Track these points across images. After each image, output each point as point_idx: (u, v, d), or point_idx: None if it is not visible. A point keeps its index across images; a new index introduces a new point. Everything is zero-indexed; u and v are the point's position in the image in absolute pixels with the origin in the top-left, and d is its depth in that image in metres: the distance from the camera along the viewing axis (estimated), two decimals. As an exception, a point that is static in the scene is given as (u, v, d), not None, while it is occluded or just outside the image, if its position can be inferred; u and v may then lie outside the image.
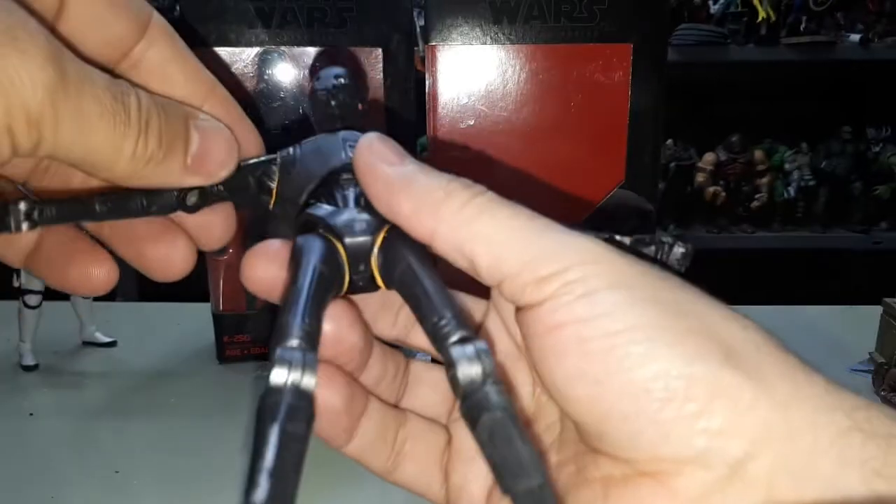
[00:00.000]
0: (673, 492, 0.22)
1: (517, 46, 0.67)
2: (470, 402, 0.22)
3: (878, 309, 0.70)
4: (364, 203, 0.26)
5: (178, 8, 0.69)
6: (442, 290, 0.24)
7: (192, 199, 0.27)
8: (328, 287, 0.25)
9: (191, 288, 0.85)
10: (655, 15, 0.67)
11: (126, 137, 0.23)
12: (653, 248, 0.27)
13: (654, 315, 0.22)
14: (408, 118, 0.70)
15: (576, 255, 0.23)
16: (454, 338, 0.23)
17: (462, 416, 0.22)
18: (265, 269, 0.26)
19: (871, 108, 2.17)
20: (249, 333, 0.77)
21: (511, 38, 0.67)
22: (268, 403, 0.21)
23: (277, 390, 0.21)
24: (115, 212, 0.26)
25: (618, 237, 0.27)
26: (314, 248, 0.25)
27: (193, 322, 0.85)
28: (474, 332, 0.23)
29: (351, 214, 0.26)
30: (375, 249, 0.26)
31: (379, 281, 0.26)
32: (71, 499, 0.56)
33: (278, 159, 0.28)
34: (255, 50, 0.69)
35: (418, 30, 0.78)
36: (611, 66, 0.67)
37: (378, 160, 0.25)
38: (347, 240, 0.25)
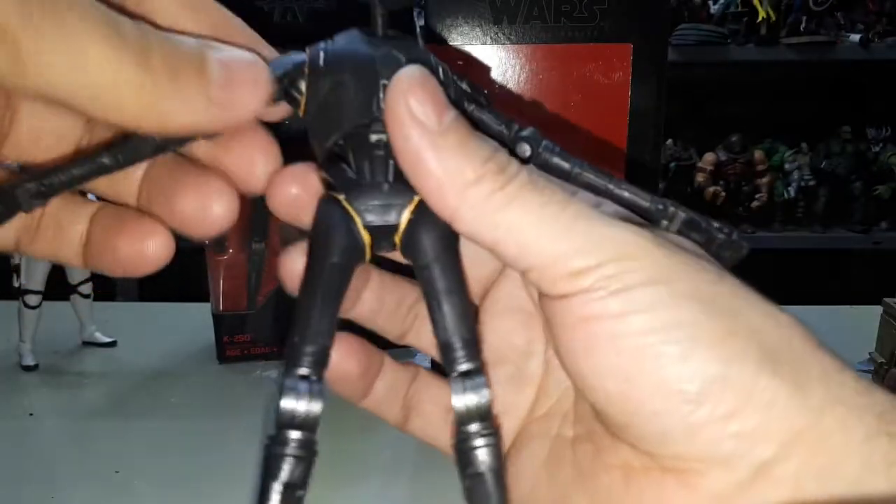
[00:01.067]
0: (696, 490, 0.22)
1: (517, 46, 0.67)
2: (462, 446, 0.24)
3: (878, 309, 0.70)
4: (393, 174, 0.24)
5: None
6: (460, 302, 0.24)
7: None
8: (344, 279, 0.24)
9: (191, 288, 0.85)
10: (655, 15, 0.67)
11: (124, 60, 0.20)
12: (704, 235, 0.26)
13: (692, 314, 0.21)
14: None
15: (612, 248, 0.22)
16: (461, 368, 0.24)
17: (452, 447, 0.24)
18: (289, 191, 0.26)
19: (871, 108, 2.17)
20: (249, 333, 0.77)
21: (511, 39, 0.67)
22: (273, 454, 0.23)
23: (283, 438, 0.23)
24: (128, 156, 0.23)
25: (679, 210, 0.26)
26: (332, 232, 0.24)
27: (193, 322, 0.84)
28: (480, 362, 0.24)
29: (376, 193, 0.24)
30: (400, 229, 0.25)
31: (398, 249, 0.26)
32: (71, 499, 0.56)
33: (306, 66, 0.24)
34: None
35: (418, 30, 0.78)
36: (611, 66, 0.67)
37: (412, 115, 0.22)
38: (369, 220, 0.24)
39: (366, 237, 0.24)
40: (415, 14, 0.78)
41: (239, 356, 0.78)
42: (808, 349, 0.22)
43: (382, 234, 0.25)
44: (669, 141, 2.09)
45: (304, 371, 0.23)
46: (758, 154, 2.11)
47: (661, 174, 2.05)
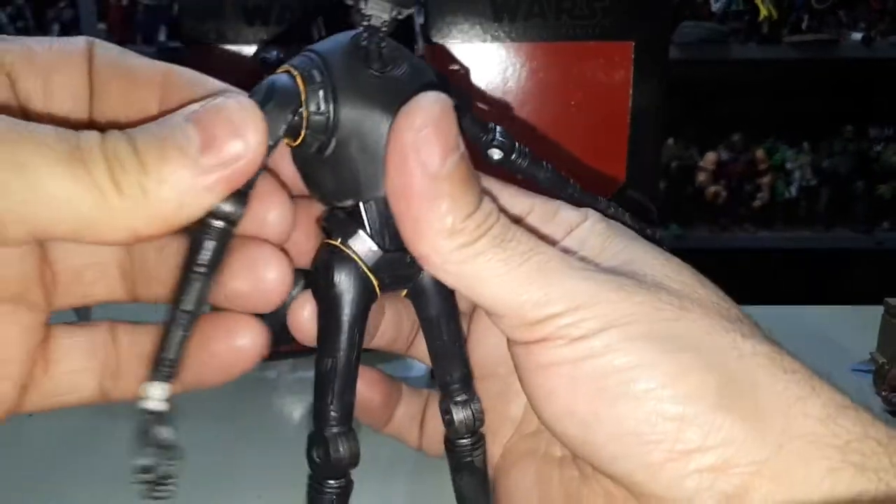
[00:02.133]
0: None
1: (518, 44, 0.66)
2: (460, 453, 0.29)
3: (880, 309, 0.69)
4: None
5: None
6: (459, 350, 0.28)
7: (224, 208, 0.22)
8: (362, 331, 0.26)
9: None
10: (657, 13, 0.67)
11: (92, 185, 0.19)
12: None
13: (647, 354, 0.22)
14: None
15: (568, 299, 0.22)
16: (458, 398, 0.28)
17: (450, 451, 0.29)
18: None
19: (873, 107, 2.16)
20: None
21: (512, 36, 0.66)
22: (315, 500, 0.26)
23: (323, 486, 0.26)
24: (213, 264, 0.22)
25: (623, 216, 0.28)
26: (349, 299, 0.25)
27: (192, 321, 0.84)
28: (474, 395, 0.29)
29: (392, 262, 0.25)
30: (405, 291, 0.28)
31: (404, 296, 0.28)
32: (70, 499, 0.56)
33: (301, 94, 0.23)
34: (253, 48, 0.68)
35: (418, 28, 0.77)
36: (612, 64, 0.67)
37: (416, 155, 0.21)
38: (384, 282, 0.26)
39: (376, 282, 0.26)
40: (415, 12, 0.77)
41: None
42: (771, 379, 0.22)
43: (392, 290, 0.27)
44: (671, 140, 2.09)
45: (336, 430, 0.25)
46: (759, 153, 2.11)
47: (663, 173, 2.05)
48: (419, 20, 0.73)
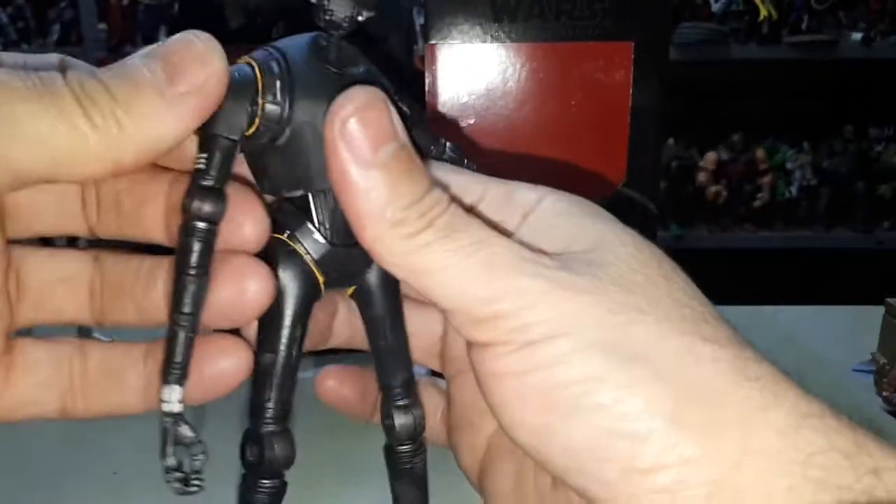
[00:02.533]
0: None
1: (517, 45, 0.66)
2: (400, 459, 0.29)
3: (881, 309, 0.69)
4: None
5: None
6: (401, 350, 0.28)
7: (205, 208, 0.23)
8: (305, 331, 0.26)
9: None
10: (657, 13, 0.67)
11: (67, 109, 0.20)
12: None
13: (598, 365, 0.21)
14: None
15: (514, 297, 0.21)
16: (399, 403, 0.28)
17: (389, 457, 0.29)
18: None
19: (873, 107, 2.16)
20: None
21: (511, 37, 0.66)
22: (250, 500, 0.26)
23: (255, 485, 0.26)
24: (197, 314, 0.23)
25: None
26: (292, 294, 0.25)
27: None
28: (416, 400, 0.29)
29: (338, 255, 0.25)
30: (352, 289, 0.27)
31: (349, 295, 0.28)
32: (69, 500, 0.56)
33: (259, 83, 0.23)
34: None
35: (418, 28, 0.77)
36: (612, 65, 0.67)
37: (346, 143, 0.21)
38: (329, 277, 0.26)
39: (320, 278, 0.25)
40: (414, 12, 0.77)
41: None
42: (731, 387, 0.21)
43: (338, 286, 0.27)
44: (671, 140, 2.09)
45: (271, 428, 0.25)
46: (759, 153, 2.11)
47: (663, 173, 2.04)
48: (419, 20, 0.73)
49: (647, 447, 0.20)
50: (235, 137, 0.23)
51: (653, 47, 0.66)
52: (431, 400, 0.32)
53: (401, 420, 0.28)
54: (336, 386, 0.31)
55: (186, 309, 0.22)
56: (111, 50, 1.95)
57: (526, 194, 0.25)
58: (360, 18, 0.23)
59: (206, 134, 0.23)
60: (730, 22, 2.02)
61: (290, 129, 0.24)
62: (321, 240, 0.25)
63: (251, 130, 0.24)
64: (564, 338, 0.21)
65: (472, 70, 0.66)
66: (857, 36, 2.00)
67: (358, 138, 0.21)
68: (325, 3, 0.23)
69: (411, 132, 0.24)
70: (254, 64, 0.23)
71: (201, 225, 0.22)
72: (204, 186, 0.22)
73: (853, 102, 2.18)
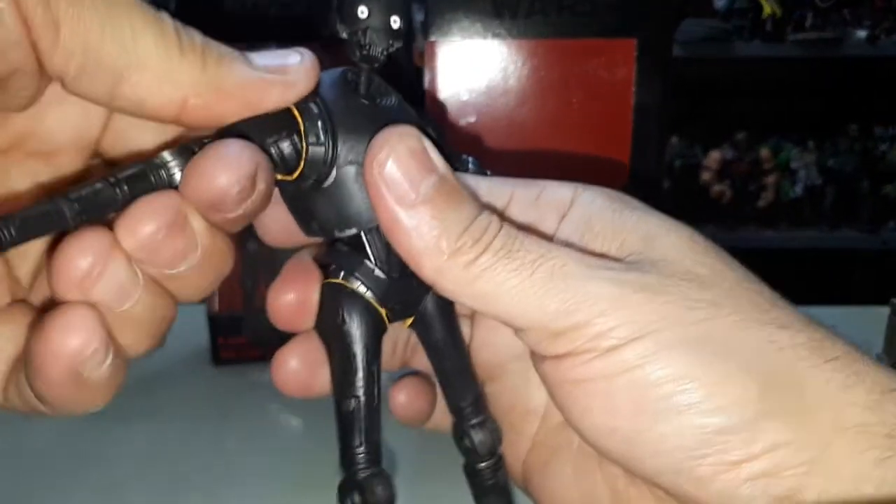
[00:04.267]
0: None
1: (518, 42, 0.66)
2: (484, 476, 0.28)
3: (886, 309, 0.68)
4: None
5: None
6: (467, 371, 0.28)
7: (167, 157, 0.22)
8: (378, 367, 0.26)
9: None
10: (660, 10, 0.66)
11: (171, 45, 0.21)
12: None
13: (684, 364, 0.21)
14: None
15: (590, 306, 0.22)
16: (473, 421, 0.28)
17: (472, 475, 0.29)
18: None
19: (878, 106, 2.16)
20: (245, 335, 0.76)
21: (513, 33, 0.65)
22: None
23: None
24: (90, 208, 0.21)
25: None
26: (362, 336, 0.25)
27: (187, 323, 0.83)
28: (488, 415, 0.28)
29: (398, 289, 0.25)
30: (411, 319, 0.27)
31: (408, 326, 0.28)
32: (65, 502, 0.55)
33: (301, 128, 0.23)
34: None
35: (417, 25, 0.77)
36: (614, 62, 0.66)
37: (387, 190, 0.22)
38: (393, 312, 0.26)
39: (384, 312, 0.26)
40: (414, 9, 0.76)
41: (234, 358, 0.76)
42: (813, 371, 0.21)
43: (401, 318, 0.27)
44: (674, 139, 2.08)
45: (368, 472, 0.25)
46: (764, 152, 2.10)
47: (666, 173, 2.04)
48: (419, 17, 0.72)
49: (738, 440, 0.21)
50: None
51: (656, 44, 0.65)
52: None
53: (479, 437, 0.28)
54: (410, 400, 0.30)
55: (74, 202, 0.20)
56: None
57: (557, 192, 0.25)
58: (391, 50, 0.23)
59: (235, 132, 0.23)
60: (734, 19, 2.01)
61: (336, 170, 0.24)
62: (381, 275, 0.25)
63: (295, 174, 0.24)
64: (648, 338, 0.21)
65: (473, 67, 0.65)
66: (862, 34, 1.99)
67: (397, 179, 0.22)
68: (362, 38, 0.23)
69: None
70: (290, 107, 0.23)
71: (163, 175, 0.22)
72: (190, 149, 0.22)
73: (858, 101, 2.17)
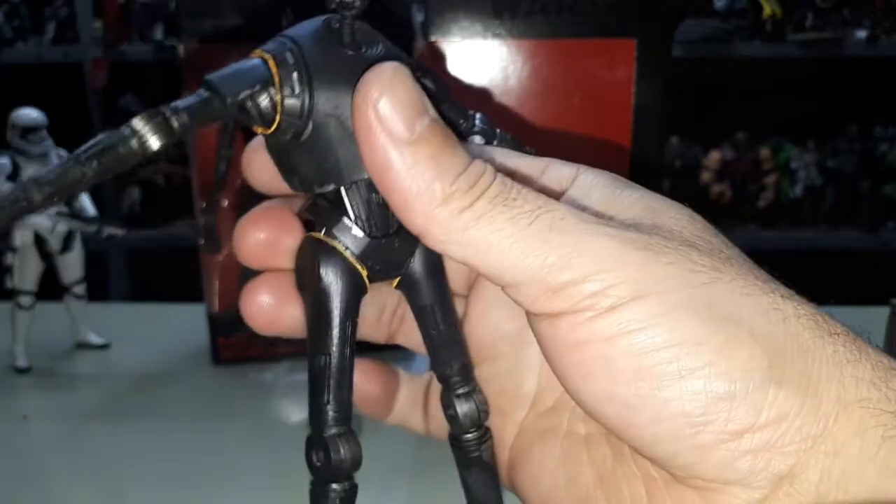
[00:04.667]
0: None
1: (518, 42, 0.66)
2: (467, 448, 0.28)
3: (886, 310, 0.68)
4: (396, 225, 0.25)
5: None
6: (456, 338, 0.28)
7: (151, 142, 0.21)
8: (354, 325, 0.25)
9: (185, 288, 0.84)
10: (660, 10, 0.66)
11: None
12: None
13: (689, 327, 0.20)
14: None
15: (591, 261, 0.20)
16: (459, 392, 0.27)
17: (456, 447, 0.28)
18: (257, 237, 0.26)
19: (878, 106, 2.15)
20: (245, 334, 0.76)
21: (513, 33, 0.65)
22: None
23: (325, 490, 0.25)
24: (59, 190, 0.20)
25: None
26: (339, 293, 0.24)
27: (188, 323, 0.83)
28: (475, 386, 0.28)
29: (378, 247, 0.25)
30: (397, 280, 0.27)
31: (395, 286, 0.27)
32: (65, 502, 0.55)
33: (276, 78, 0.22)
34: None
35: (417, 25, 0.76)
36: (614, 62, 0.66)
37: (380, 123, 0.21)
38: (373, 272, 0.25)
39: (364, 273, 0.25)
40: (414, 9, 0.76)
41: (234, 357, 0.76)
42: (819, 342, 0.21)
43: (382, 279, 0.26)
44: (674, 139, 2.08)
45: (335, 430, 0.24)
46: (764, 152, 2.10)
47: (666, 172, 2.04)
48: (419, 17, 0.72)
49: (743, 407, 0.20)
50: (227, 99, 0.22)
51: (656, 44, 0.65)
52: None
53: (463, 408, 0.27)
54: (362, 381, 0.29)
55: (44, 186, 0.20)
56: (107, 48, 1.94)
57: (561, 169, 0.25)
58: None
59: (207, 81, 0.22)
60: (734, 19, 2.01)
61: (313, 122, 0.23)
62: (360, 233, 0.24)
63: (272, 128, 0.23)
64: (650, 299, 0.20)
65: (473, 67, 0.65)
66: (862, 34, 1.99)
67: (391, 118, 0.21)
68: None
69: (440, 107, 0.23)
70: (267, 57, 0.22)
71: (130, 140, 0.20)
72: (162, 113, 0.21)
73: (858, 101, 2.17)
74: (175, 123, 0.21)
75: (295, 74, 0.22)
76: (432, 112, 0.21)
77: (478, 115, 0.27)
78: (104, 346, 0.80)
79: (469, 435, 0.28)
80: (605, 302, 0.20)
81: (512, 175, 0.23)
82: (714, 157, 2.10)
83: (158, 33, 1.96)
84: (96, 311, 0.83)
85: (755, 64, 2.07)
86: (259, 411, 0.68)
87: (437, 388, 0.30)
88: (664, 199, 0.24)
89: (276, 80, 0.22)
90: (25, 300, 0.76)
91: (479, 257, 0.21)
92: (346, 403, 0.25)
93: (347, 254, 0.24)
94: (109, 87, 1.97)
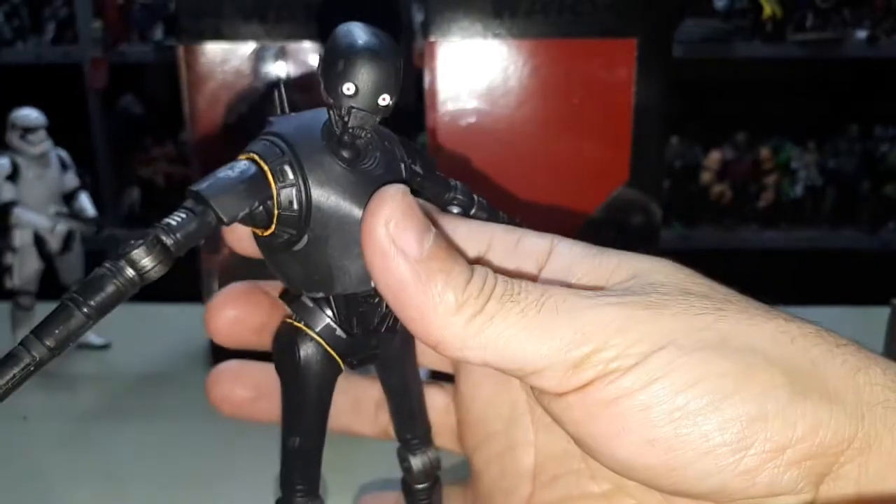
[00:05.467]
0: None
1: (519, 41, 0.65)
2: (419, 497, 0.30)
3: (886, 310, 0.68)
4: (378, 319, 0.26)
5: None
6: (420, 407, 0.30)
7: (144, 261, 0.21)
8: (327, 406, 0.26)
9: (185, 288, 0.84)
10: (660, 10, 0.66)
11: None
12: None
13: (711, 364, 0.21)
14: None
15: (603, 329, 0.22)
16: (416, 449, 0.30)
17: (408, 493, 0.31)
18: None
19: (878, 107, 2.15)
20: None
21: (513, 33, 0.65)
22: None
23: None
24: (63, 343, 0.21)
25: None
26: (313, 379, 0.25)
27: (188, 323, 0.83)
28: (430, 443, 0.30)
29: (360, 343, 0.26)
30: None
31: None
32: (65, 502, 0.55)
33: (271, 180, 0.23)
34: (251, 45, 0.67)
35: (417, 25, 0.76)
36: (615, 62, 0.66)
37: (395, 249, 0.22)
38: (350, 361, 0.26)
39: (340, 360, 0.26)
40: (414, 9, 0.76)
41: (234, 358, 0.76)
42: (827, 356, 0.22)
43: (359, 367, 0.27)
44: (674, 139, 2.08)
45: (300, 500, 0.26)
46: (764, 152, 2.10)
47: (667, 173, 2.04)
48: (419, 17, 0.72)
49: (778, 423, 0.21)
50: (224, 220, 0.22)
51: (656, 44, 0.65)
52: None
53: (418, 463, 0.30)
54: (227, 385, 0.31)
55: (48, 342, 0.20)
56: (107, 48, 1.94)
57: (535, 241, 0.25)
58: (378, 119, 0.23)
59: (200, 197, 0.22)
60: (734, 19, 2.01)
61: (308, 238, 0.23)
62: (341, 333, 0.25)
63: (267, 233, 0.23)
64: (667, 348, 0.21)
65: (473, 67, 0.65)
66: (862, 34, 1.99)
67: (404, 236, 0.22)
68: (346, 116, 0.22)
69: (427, 183, 0.25)
70: (265, 168, 0.22)
71: (129, 273, 0.21)
72: (161, 241, 0.21)
73: (858, 101, 2.17)
74: (173, 249, 0.21)
75: (293, 191, 0.23)
76: (432, 228, 0.23)
77: (459, 185, 0.27)
78: (104, 347, 0.80)
79: (421, 486, 0.30)
80: (627, 361, 0.21)
81: (485, 247, 0.25)
82: (714, 158, 2.10)
83: (158, 33, 1.96)
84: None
85: (755, 64, 2.07)
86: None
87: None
88: (642, 256, 0.25)
89: (274, 194, 0.22)
90: (25, 300, 0.76)
91: (498, 355, 0.22)
92: (314, 476, 0.26)
93: (327, 346, 0.25)
94: (109, 88, 1.97)
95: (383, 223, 0.22)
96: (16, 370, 0.20)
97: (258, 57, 0.68)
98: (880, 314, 0.69)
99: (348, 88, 0.21)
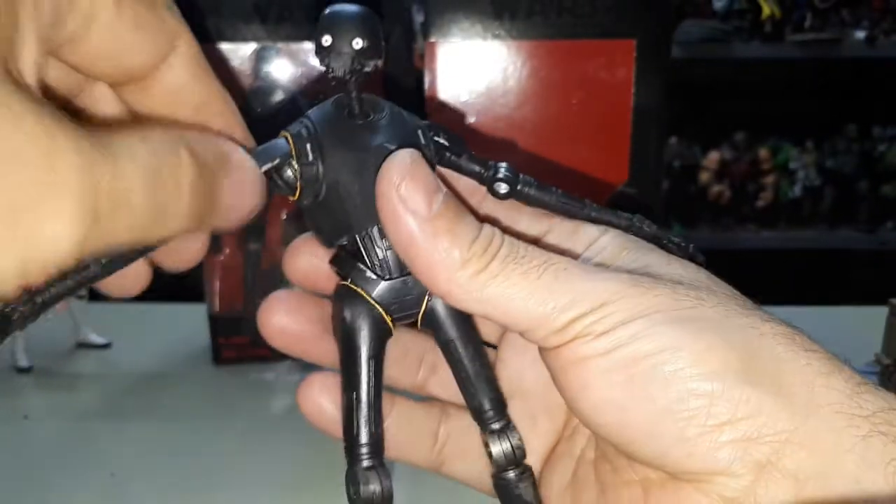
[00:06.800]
0: (709, 496, 0.23)
1: (518, 42, 0.66)
2: (507, 486, 0.29)
3: (884, 310, 0.68)
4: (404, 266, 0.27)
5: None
6: (483, 369, 0.29)
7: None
8: (381, 365, 0.27)
9: (186, 288, 0.84)
10: (659, 11, 0.66)
11: (175, 215, 0.21)
12: (671, 248, 0.29)
13: (672, 337, 0.23)
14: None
15: (590, 299, 0.24)
16: (493, 427, 0.29)
17: (495, 485, 0.29)
18: (282, 323, 0.29)
19: (876, 107, 2.16)
20: (246, 335, 0.76)
21: (512, 34, 0.66)
22: None
23: None
24: (114, 264, 0.21)
25: (644, 225, 0.29)
26: (361, 327, 0.27)
27: (189, 323, 0.83)
28: (509, 422, 0.29)
29: (394, 288, 0.27)
30: (420, 313, 0.28)
31: (419, 326, 0.29)
32: (66, 502, 0.55)
33: (293, 153, 0.26)
34: (252, 46, 0.68)
35: (417, 26, 0.77)
36: (614, 63, 0.66)
37: (404, 205, 0.24)
38: (393, 311, 0.27)
39: (389, 319, 0.27)
40: (414, 9, 0.77)
41: (235, 358, 0.77)
42: (792, 355, 0.23)
43: (405, 318, 0.28)
44: (673, 139, 2.08)
45: (366, 463, 0.26)
46: (763, 152, 2.10)
47: (665, 173, 2.04)
48: (419, 18, 0.72)
49: (721, 404, 0.22)
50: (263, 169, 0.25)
51: (655, 45, 0.65)
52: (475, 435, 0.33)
53: (497, 448, 0.29)
54: (316, 396, 0.30)
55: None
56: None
57: (590, 230, 0.28)
58: (366, 69, 0.25)
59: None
60: (733, 20, 2.01)
61: (326, 184, 0.26)
62: (374, 277, 0.27)
63: (297, 195, 0.26)
64: (640, 320, 0.23)
65: (473, 68, 0.65)
66: (861, 34, 1.99)
67: (413, 197, 0.24)
68: (327, 62, 0.25)
69: (461, 161, 0.28)
70: (286, 135, 0.26)
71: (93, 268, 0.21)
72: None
73: (856, 101, 2.17)
74: None
75: (308, 146, 0.26)
76: (443, 189, 0.25)
77: (502, 165, 0.28)
78: (105, 346, 0.80)
79: (508, 473, 0.29)
80: (600, 327, 0.24)
81: (544, 231, 0.28)
82: (713, 158, 2.10)
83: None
84: (97, 311, 0.83)
85: (754, 64, 2.07)
86: (260, 411, 0.68)
87: (456, 423, 0.32)
88: (664, 255, 0.27)
89: (294, 151, 0.26)
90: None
91: (497, 310, 0.25)
92: (377, 437, 0.27)
93: (368, 297, 0.27)
94: (109, 88, 1.97)
95: (394, 185, 0.24)
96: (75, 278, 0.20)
97: (258, 57, 0.68)
98: (879, 314, 0.70)
99: (326, 40, 0.25)
